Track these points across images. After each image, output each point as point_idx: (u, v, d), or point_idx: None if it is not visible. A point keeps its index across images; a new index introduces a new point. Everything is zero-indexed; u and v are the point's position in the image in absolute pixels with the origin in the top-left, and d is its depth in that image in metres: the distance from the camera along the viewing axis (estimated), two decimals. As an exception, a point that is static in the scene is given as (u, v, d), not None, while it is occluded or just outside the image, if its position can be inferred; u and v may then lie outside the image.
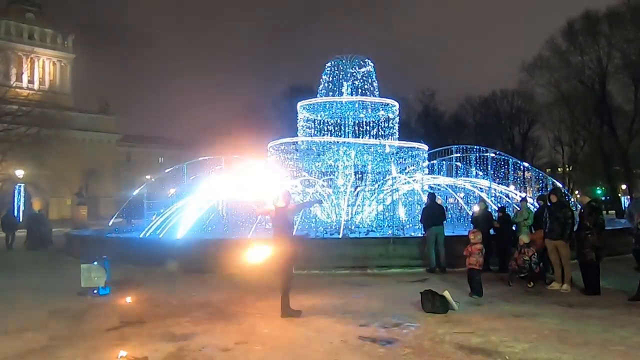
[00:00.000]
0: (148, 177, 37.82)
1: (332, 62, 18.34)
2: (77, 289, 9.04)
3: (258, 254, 7.37)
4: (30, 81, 59.64)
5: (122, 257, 11.92)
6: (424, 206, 12.58)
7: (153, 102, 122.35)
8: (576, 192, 42.99)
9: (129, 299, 8.26)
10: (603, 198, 44.94)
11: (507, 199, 16.97)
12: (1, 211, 42.39)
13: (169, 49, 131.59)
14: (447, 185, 17.38)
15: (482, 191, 16.66)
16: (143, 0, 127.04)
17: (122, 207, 22.96)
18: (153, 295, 8.86)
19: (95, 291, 8.94)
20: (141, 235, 15.90)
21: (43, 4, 65.32)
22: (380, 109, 18.12)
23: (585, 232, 8.52)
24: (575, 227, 8.96)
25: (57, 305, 8.15)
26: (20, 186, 42.64)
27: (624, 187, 47.50)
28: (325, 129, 18.48)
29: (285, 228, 7.27)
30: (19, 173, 39.78)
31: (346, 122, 18.28)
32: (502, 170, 19.06)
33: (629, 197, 45.42)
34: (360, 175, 18.85)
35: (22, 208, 40.81)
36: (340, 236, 13.69)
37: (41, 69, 62.75)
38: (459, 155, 20.00)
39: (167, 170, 21.31)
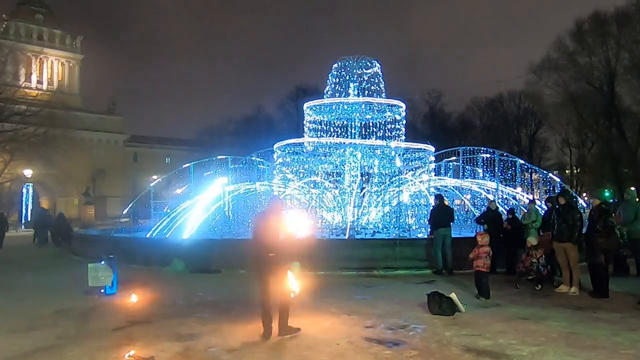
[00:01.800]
0: (155, 177, 37.95)
1: (339, 63, 18.32)
2: (84, 288, 9.09)
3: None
4: (39, 81, 60.07)
5: (129, 256, 11.98)
6: (431, 208, 12.53)
7: (160, 102, 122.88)
8: (584, 194, 42.66)
9: (135, 299, 8.27)
10: (611, 200, 44.60)
11: (514, 201, 16.88)
12: (10, 211, 42.84)
13: (177, 49, 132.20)
14: (453, 186, 17.32)
15: (489, 193, 16.58)
16: (151, 1, 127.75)
17: (129, 207, 23.06)
18: (160, 295, 8.87)
19: (102, 290, 8.99)
20: (148, 235, 15.97)
21: (52, 5, 65.88)
22: (387, 110, 18.09)
23: (595, 234, 8.45)
24: (584, 230, 8.89)
25: (64, 305, 8.19)
26: (28, 186, 42.98)
27: (632, 189, 47.04)
28: (332, 130, 18.48)
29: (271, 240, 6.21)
30: (27, 173, 40.08)
31: (353, 123, 18.27)
32: (509, 171, 18.96)
33: (638, 199, 44.99)
34: (366, 177, 18.82)
35: (30, 207, 41.15)
36: (346, 237, 13.67)
37: (50, 70, 63.16)
38: (465, 156, 19.92)
39: (174, 171, 21.42)
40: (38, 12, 63.45)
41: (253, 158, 20.63)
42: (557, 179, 20.02)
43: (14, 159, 40.44)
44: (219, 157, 20.16)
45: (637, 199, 10.45)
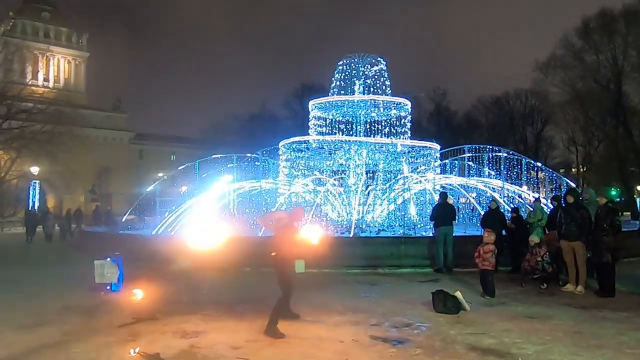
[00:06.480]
0: (160, 174, 38.07)
1: (344, 61, 18.31)
2: (91, 284, 9.13)
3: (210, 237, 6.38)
4: (46, 79, 60.35)
5: (134, 254, 12.01)
6: (434, 205, 12.51)
7: (166, 100, 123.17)
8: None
9: (141, 296, 8.30)
10: (618, 199, 44.31)
11: (520, 200, 16.80)
12: (17, 208, 43.08)
13: (182, 47, 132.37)
14: (459, 185, 17.27)
15: (494, 191, 16.52)
16: (156, 0, 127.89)
17: (134, 205, 23.14)
18: (165, 292, 8.88)
19: (108, 287, 9.03)
20: (153, 233, 16.03)
21: (58, 3, 66.11)
22: (392, 108, 18.05)
23: (602, 233, 8.41)
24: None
25: (71, 301, 8.25)
26: (35, 183, 43.23)
27: (639, 188, 46.80)
28: (337, 127, 18.46)
29: (286, 242, 6.51)
30: (34, 170, 40.31)
31: (358, 120, 18.24)
32: (515, 170, 18.89)
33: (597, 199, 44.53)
34: (371, 175, 18.81)
35: (37, 205, 41.39)
36: (351, 235, 13.67)
37: (56, 67, 63.42)
38: (471, 154, 19.85)
39: (179, 168, 21.48)
40: (44, 10, 63.70)
41: (258, 156, 20.65)
42: (563, 177, 19.91)
43: (20, 156, 40.70)
44: (224, 154, 20.17)
45: (597, 199, 10.31)
